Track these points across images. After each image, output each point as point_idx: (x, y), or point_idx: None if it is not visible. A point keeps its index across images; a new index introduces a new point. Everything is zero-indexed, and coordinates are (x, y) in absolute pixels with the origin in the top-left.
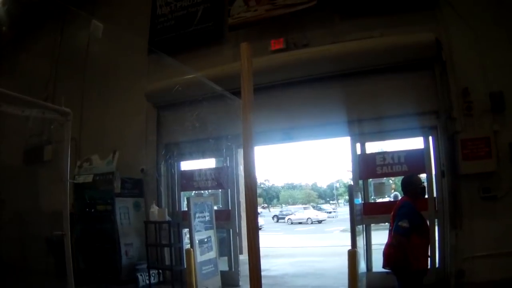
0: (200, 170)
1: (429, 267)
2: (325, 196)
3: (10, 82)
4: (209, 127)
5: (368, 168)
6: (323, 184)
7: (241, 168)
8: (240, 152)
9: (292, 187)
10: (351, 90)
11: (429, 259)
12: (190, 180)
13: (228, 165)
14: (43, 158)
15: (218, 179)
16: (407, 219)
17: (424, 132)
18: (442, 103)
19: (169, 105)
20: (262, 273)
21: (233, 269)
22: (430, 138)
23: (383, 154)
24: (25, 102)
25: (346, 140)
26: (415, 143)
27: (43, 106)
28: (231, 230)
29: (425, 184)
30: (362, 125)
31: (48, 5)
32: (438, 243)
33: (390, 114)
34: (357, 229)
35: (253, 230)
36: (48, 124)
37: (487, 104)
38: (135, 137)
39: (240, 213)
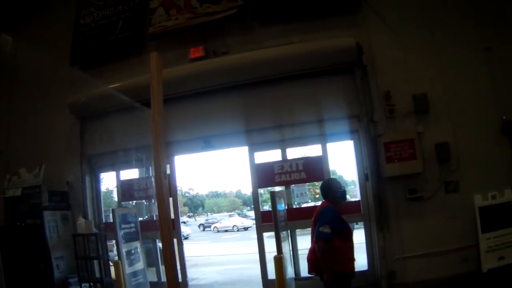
0: (136, 179)
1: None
2: (250, 203)
3: None
4: (126, 138)
5: (267, 176)
6: (247, 191)
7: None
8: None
9: (216, 195)
10: (270, 96)
11: (354, 262)
12: (130, 190)
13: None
14: None
15: (146, 190)
16: (328, 224)
17: (345, 136)
18: (363, 106)
19: (91, 116)
20: (192, 282)
21: (162, 279)
22: (352, 141)
23: (281, 163)
24: None
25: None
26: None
27: None
28: (157, 240)
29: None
30: (282, 131)
31: None
32: (366, 246)
33: (311, 120)
34: (282, 235)
35: (168, 243)
36: None
37: (410, 106)
38: (60, 149)
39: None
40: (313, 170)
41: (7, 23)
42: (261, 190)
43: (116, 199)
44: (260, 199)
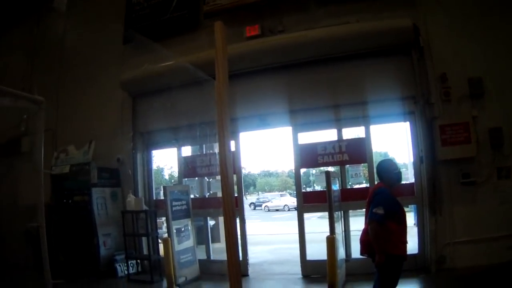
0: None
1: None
2: (302, 182)
3: None
4: (186, 113)
5: (309, 157)
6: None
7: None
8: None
9: (268, 174)
10: (327, 76)
11: (407, 245)
12: (192, 167)
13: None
14: (20, 150)
15: (208, 166)
16: (382, 206)
17: (400, 117)
18: (420, 88)
19: (145, 93)
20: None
21: (211, 257)
22: (408, 123)
23: (324, 144)
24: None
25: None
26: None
27: (15, 94)
28: (208, 218)
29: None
30: (338, 111)
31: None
32: (418, 229)
33: (368, 100)
34: (335, 216)
35: (230, 221)
36: (21, 114)
37: (466, 89)
38: (111, 127)
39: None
40: (356, 152)
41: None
42: (312, 171)
43: (166, 177)
44: (312, 179)
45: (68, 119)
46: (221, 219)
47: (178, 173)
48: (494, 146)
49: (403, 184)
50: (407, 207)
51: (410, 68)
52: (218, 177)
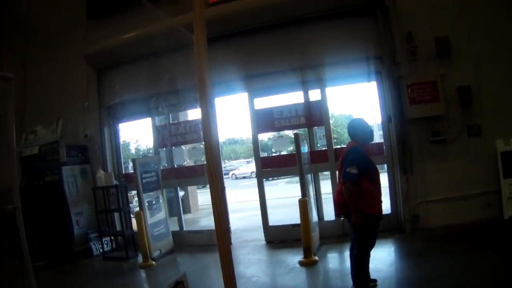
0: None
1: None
2: (267, 148)
3: None
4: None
5: (266, 122)
6: (264, 137)
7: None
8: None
9: (233, 142)
10: (293, 38)
11: (382, 204)
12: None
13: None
14: None
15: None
16: (356, 165)
17: (367, 77)
18: (386, 48)
19: (110, 66)
20: (209, 229)
21: (183, 228)
22: (375, 83)
23: (280, 108)
24: None
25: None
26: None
27: None
28: (178, 189)
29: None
30: (297, 74)
31: None
32: (389, 189)
33: (334, 61)
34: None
35: (217, 191)
36: None
37: (433, 48)
38: (77, 102)
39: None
40: (312, 115)
41: None
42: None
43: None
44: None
45: (35, 98)
46: (190, 189)
47: (153, 143)
48: (463, 104)
49: (372, 144)
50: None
51: (376, 28)
52: (190, 145)
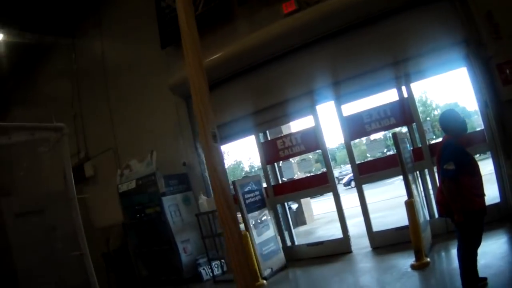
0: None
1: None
2: (379, 149)
3: (37, 109)
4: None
5: (356, 128)
6: (379, 136)
7: None
8: None
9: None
10: (378, 34)
11: (485, 198)
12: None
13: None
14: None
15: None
16: (452, 160)
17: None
18: (469, 30)
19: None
20: (329, 239)
21: (295, 243)
22: (466, 69)
23: (368, 112)
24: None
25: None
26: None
27: (32, 128)
28: (286, 204)
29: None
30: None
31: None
32: (496, 177)
33: (422, 51)
34: (410, 178)
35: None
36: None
37: None
38: (170, 132)
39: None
40: (400, 114)
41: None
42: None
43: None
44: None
45: (126, 135)
46: (304, 200)
47: (260, 160)
48: None
49: (472, 132)
50: (484, 154)
51: (454, 11)
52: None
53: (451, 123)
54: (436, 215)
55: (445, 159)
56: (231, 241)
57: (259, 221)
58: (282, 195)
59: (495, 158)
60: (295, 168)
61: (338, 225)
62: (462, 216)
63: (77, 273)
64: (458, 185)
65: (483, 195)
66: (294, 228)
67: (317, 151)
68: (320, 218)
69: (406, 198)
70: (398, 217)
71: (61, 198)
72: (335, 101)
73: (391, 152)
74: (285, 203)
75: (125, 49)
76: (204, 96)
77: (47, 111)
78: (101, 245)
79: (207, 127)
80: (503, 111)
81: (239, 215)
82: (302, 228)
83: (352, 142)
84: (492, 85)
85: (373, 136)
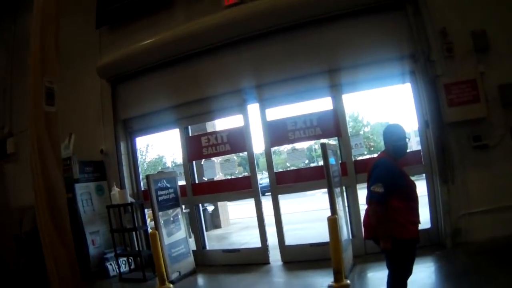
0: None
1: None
2: (300, 159)
3: None
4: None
5: (277, 134)
6: (302, 146)
7: None
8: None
9: (278, 153)
10: (317, 39)
11: (418, 225)
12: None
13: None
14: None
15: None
16: (382, 182)
17: (400, 78)
18: (418, 45)
19: (124, 77)
20: (242, 247)
21: (206, 247)
22: (409, 84)
23: (293, 119)
24: None
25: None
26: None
27: None
28: (200, 205)
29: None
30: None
31: None
32: (428, 201)
33: (363, 62)
34: (335, 192)
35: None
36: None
37: (469, 44)
38: (92, 117)
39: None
40: (328, 125)
41: None
42: (315, 146)
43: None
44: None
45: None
46: (220, 203)
47: (182, 156)
48: (505, 105)
49: (409, 152)
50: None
51: (406, 24)
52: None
53: (390, 140)
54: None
55: (374, 179)
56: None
57: (170, 220)
58: (201, 195)
59: (429, 181)
60: (218, 169)
61: (254, 232)
62: (389, 243)
63: None
64: (389, 209)
65: (417, 222)
66: (208, 231)
67: (243, 153)
68: (236, 223)
69: (328, 211)
70: (315, 232)
71: None
72: (260, 104)
73: (314, 164)
74: (200, 205)
75: (61, 26)
76: (51, 26)
77: None
78: (16, 226)
79: (42, 79)
80: (444, 133)
81: (149, 212)
82: (216, 232)
83: (275, 149)
84: (436, 105)
85: (297, 145)
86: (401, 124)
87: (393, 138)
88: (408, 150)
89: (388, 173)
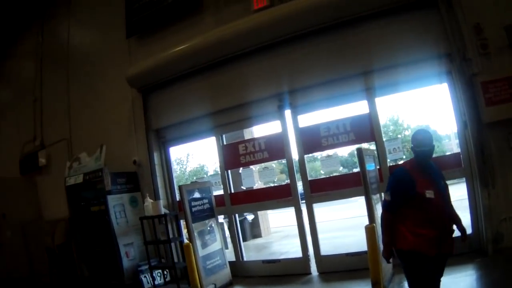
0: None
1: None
2: (347, 164)
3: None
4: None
5: (310, 141)
6: (344, 152)
7: None
8: None
9: (313, 159)
10: (348, 41)
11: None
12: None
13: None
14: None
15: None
16: (389, 191)
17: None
18: (453, 43)
19: (155, 86)
20: (281, 256)
21: (244, 258)
22: (446, 84)
23: (327, 125)
24: None
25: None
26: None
27: None
28: (237, 215)
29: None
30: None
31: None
32: (469, 206)
33: (397, 63)
34: (373, 199)
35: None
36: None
37: (504, 39)
38: (124, 127)
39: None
40: (360, 129)
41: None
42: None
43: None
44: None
45: (81, 125)
46: (261, 212)
47: (219, 165)
48: None
49: (447, 155)
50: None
51: (439, 22)
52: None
53: (412, 146)
54: None
55: (386, 187)
56: None
57: (205, 231)
58: (238, 205)
59: (469, 185)
60: (256, 177)
61: (295, 241)
62: (388, 251)
63: None
64: (400, 217)
65: (425, 235)
66: (248, 240)
67: (282, 160)
68: (277, 231)
69: (366, 219)
70: (352, 240)
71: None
72: (292, 110)
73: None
74: (236, 214)
75: (90, 36)
76: None
77: (11, 92)
78: (48, 238)
79: None
80: (483, 134)
81: (185, 223)
82: (256, 241)
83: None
84: (473, 105)
85: (331, 152)
86: (427, 129)
87: (414, 143)
88: (434, 155)
89: (396, 182)
